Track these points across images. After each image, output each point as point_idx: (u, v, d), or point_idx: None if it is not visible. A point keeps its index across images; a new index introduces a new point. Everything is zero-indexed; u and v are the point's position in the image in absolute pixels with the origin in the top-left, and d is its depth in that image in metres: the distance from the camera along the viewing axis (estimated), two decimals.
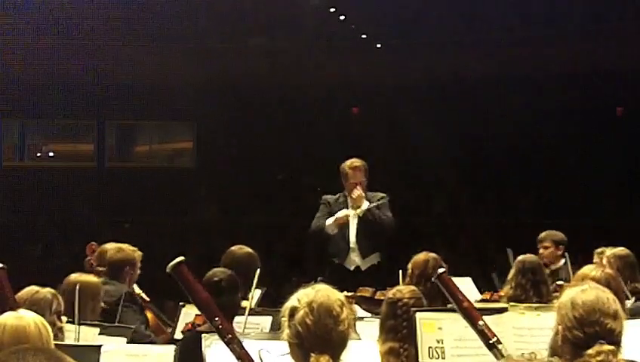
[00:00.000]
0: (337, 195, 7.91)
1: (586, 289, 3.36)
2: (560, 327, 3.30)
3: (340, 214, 7.67)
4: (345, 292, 6.10)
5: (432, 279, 3.84)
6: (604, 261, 6.27)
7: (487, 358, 3.56)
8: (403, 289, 4.60)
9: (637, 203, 16.40)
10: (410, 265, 6.02)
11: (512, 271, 6.12)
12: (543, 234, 7.85)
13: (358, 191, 7.65)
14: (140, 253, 6.34)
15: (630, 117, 17.48)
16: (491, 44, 17.99)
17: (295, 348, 3.16)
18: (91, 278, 5.55)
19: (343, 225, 7.67)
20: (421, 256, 6.03)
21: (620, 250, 6.39)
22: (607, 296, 3.33)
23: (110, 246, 6.46)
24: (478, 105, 18.22)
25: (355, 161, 7.87)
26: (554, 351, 3.35)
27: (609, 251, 6.42)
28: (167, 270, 3.14)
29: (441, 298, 5.56)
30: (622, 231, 9.20)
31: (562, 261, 7.37)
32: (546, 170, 17.57)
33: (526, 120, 17.80)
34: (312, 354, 3.09)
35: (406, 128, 17.89)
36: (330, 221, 7.71)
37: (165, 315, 6.74)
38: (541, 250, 7.72)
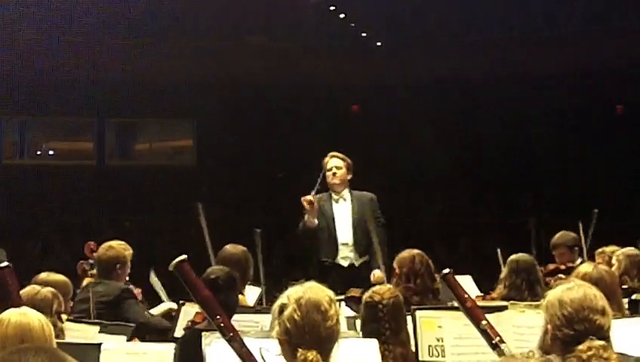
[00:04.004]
0: (321, 194, 7.85)
1: (572, 287, 3.36)
2: (549, 327, 3.31)
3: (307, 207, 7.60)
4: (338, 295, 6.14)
5: (438, 279, 3.85)
6: (614, 259, 6.31)
7: (486, 356, 3.57)
8: (380, 290, 4.55)
9: (637, 201, 16.42)
10: (395, 264, 5.94)
11: (505, 271, 6.07)
12: (555, 240, 7.84)
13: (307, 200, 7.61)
14: (130, 250, 6.28)
15: (630, 115, 17.50)
16: (491, 44, 18.00)
17: (285, 345, 3.17)
18: (61, 277, 5.50)
19: (314, 210, 7.60)
20: (405, 254, 5.94)
21: (629, 250, 6.45)
22: (593, 292, 3.33)
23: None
24: (478, 105, 18.23)
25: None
26: (544, 351, 3.35)
27: (617, 250, 6.47)
28: (170, 268, 3.16)
29: (431, 292, 5.59)
30: (622, 231, 9.19)
31: (579, 260, 7.38)
32: (546, 170, 17.58)
33: (526, 120, 17.82)
34: (300, 350, 3.10)
35: (406, 128, 17.89)
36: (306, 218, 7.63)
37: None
38: (557, 257, 7.74)
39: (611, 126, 17.59)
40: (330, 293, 3.26)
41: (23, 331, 3.39)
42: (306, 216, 7.61)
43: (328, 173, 7.75)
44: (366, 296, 4.55)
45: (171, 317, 6.09)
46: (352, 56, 18.43)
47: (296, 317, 3.14)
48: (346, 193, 7.74)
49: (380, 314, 4.39)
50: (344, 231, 7.65)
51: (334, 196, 7.76)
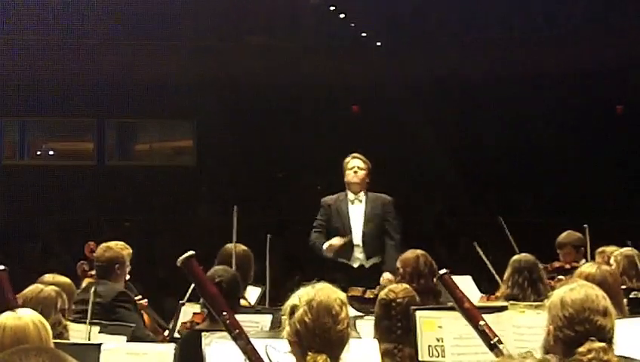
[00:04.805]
0: (337, 195, 7.96)
1: (574, 287, 3.36)
2: (551, 327, 3.31)
3: (333, 242, 7.70)
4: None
5: (434, 280, 3.85)
6: (612, 259, 6.31)
7: (486, 356, 3.57)
8: (396, 289, 4.57)
9: (637, 201, 16.42)
10: (399, 264, 6.04)
11: (508, 271, 6.13)
12: (561, 240, 7.84)
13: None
14: (129, 250, 6.27)
15: (630, 115, 17.50)
16: (491, 44, 17.99)
17: (295, 346, 3.17)
18: (65, 280, 5.50)
19: (339, 248, 7.73)
20: (409, 254, 6.04)
21: (627, 250, 6.45)
22: (596, 293, 3.33)
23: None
24: (478, 105, 18.22)
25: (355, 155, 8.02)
26: (547, 352, 3.35)
27: (616, 250, 6.46)
28: (178, 263, 3.16)
29: (432, 293, 5.62)
30: (622, 231, 9.20)
31: (583, 261, 7.39)
32: (546, 170, 17.57)
33: (526, 119, 17.81)
34: (310, 353, 3.09)
35: (406, 128, 17.89)
36: (325, 246, 7.75)
37: (164, 313, 6.74)
38: (562, 257, 7.74)
39: (611, 126, 17.58)
40: (342, 295, 3.25)
41: (19, 336, 3.37)
42: (326, 248, 7.71)
43: (349, 172, 7.90)
44: (382, 293, 4.58)
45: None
46: (352, 56, 18.42)
47: (307, 319, 3.14)
48: (362, 195, 7.85)
49: (393, 313, 4.41)
50: (357, 233, 7.77)
51: (350, 196, 7.89)
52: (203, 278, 3.25)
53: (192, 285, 5.78)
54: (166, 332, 6.15)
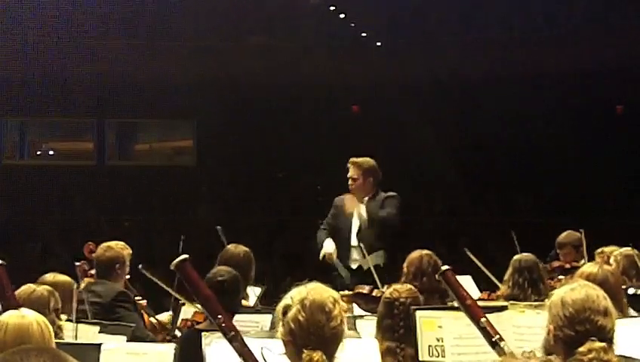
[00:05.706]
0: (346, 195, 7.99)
1: (575, 287, 3.36)
2: (552, 327, 3.31)
3: (325, 251, 7.71)
4: (346, 291, 6.19)
5: (436, 276, 3.84)
6: (612, 259, 6.31)
7: (487, 356, 3.56)
8: (400, 289, 4.59)
9: (637, 201, 16.42)
10: (405, 264, 6.06)
11: (509, 271, 6.14)
12: (562, 239, 7.84)
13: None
14: (129, 250, 6.27)
15: (630, 115, 17.50)
16: (491, 44, 18.00)
17: (289, 346, 3.18)
18: (66, 279, 5.50)
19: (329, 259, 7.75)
20: (414, 254, 6.07)
21: (627, 250, 6.44)
22: (597, 293, 3.32)
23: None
24: (478, 105, 18.22)
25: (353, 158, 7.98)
26: (547, 352, 3.35)
27: (616, 250, 6.46)
28: (172, 267, 3.16)
29: (437, 293, 5.62)
30: (622, 231, 9.20)
31: (582, 261, 7.39)
32: (546, 170, 17.58)
33: (526, 119, 17.81)
34: (305, 351, 3.10)
35: (406, 128, 17.89)
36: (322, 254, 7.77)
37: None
38: (562, 257, 7.74)
39: (611, 126, 17.58)
40: (334, 293, 3.27)
41: (22, 335, 3.37)
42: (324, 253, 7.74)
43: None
44: (386, 292, 4.60)
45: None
46: (352, 56, 18.42)
47: (300, 318, 3.15)
48: (366, 199, 7.81)
49: (396, 312, 4.42)
50: (355, 235, 7.76)
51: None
52: (197, 281, 3.24)
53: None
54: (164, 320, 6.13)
